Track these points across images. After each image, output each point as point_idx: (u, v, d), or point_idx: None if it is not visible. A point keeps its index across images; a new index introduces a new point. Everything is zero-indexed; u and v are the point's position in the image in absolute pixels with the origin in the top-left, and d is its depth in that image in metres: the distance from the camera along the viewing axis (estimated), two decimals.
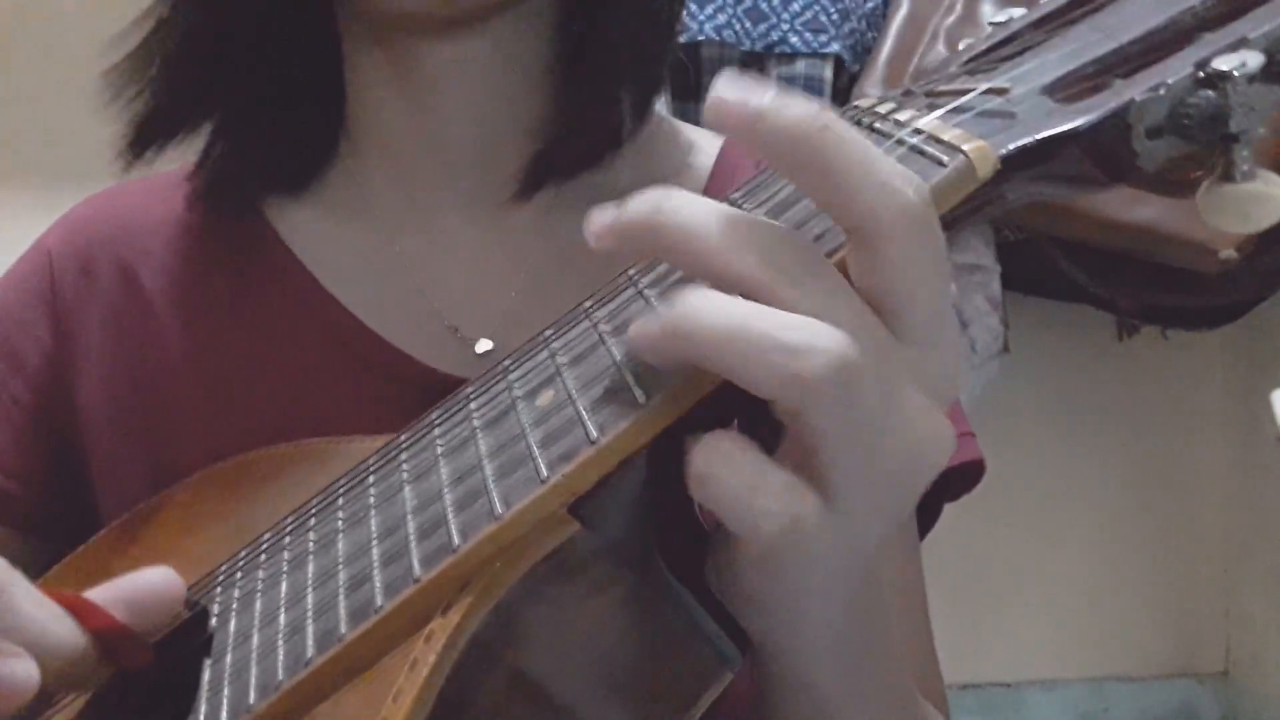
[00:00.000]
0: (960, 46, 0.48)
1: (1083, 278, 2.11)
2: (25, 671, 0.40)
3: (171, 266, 0.70)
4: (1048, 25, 0.44)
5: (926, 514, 0.70)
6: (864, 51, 1.97)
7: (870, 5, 1.97)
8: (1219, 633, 2.56)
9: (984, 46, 0.46)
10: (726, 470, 0.37)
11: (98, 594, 0.45)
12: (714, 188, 0.70)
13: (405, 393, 0.54)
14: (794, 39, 1.91)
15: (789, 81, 1.91)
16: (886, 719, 0.51)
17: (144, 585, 0.45)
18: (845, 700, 0.47)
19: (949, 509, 0.70)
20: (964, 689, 2.44)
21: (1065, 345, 2.44)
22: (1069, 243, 2.01)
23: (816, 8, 1.92)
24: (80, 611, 0.44)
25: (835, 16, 1.92)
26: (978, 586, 2.42)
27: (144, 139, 0.69)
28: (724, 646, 0.41)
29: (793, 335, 0.35)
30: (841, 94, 1.95)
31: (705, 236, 0.37)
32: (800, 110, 0.37)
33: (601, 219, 0.40)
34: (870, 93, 1.76)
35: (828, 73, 1.93)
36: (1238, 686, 2.53)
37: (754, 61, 1.94)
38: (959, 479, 0.67)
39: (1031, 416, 2.44)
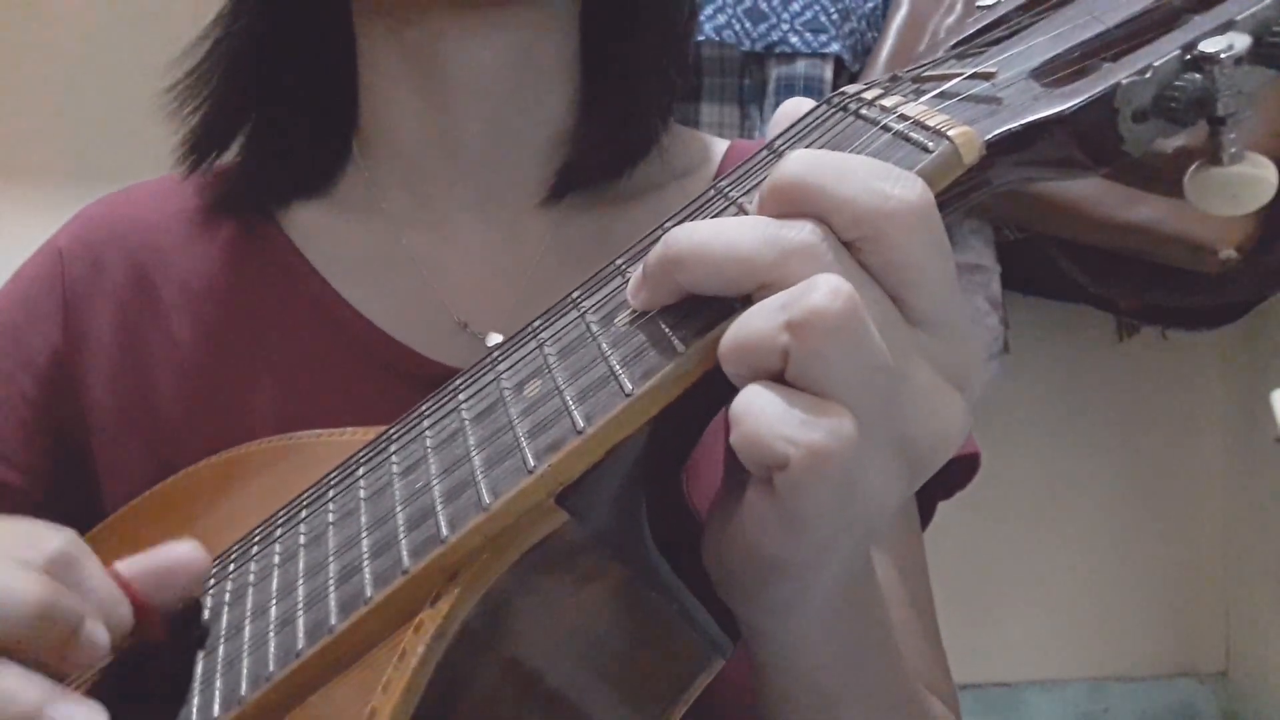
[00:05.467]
0: None
1: (1083, 278, 2.11)
2: (103, 638, 0.43)
3: (181, 266, 0.71)
4: (1035, 9, 0.44)
5: (921, 510, 0.70)
6: (864, 51, 1.97)
7: (870, 5, 1.97)
8: (1219, 633, 2.56)
9: (972, 30, 0.45)
10: (761, 401, 0.36)
11: (127, 565, 0.47)
12: None
13: (415, 389, 0.54)
14: (794, 39, 1.91)
15: (789, 81, 1.91)
16: (887, 710, 0.51)
17: (170, 561, 0.47)
18: (843, 688, 0.47)
19: (949, 508, 0.70)
20: (964, 689, 2.42)
21: (1065, 345, 2.44)
22: (1069, 243, 2.01)
23: (816, 8, 1.92)
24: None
25: (835, 16, 1.93)
26: (978, 586, 2.42)
27: (204, 149, 0.71)
28: (715, 634, 0.41)
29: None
30: None
31: (707, 253, 0.38)
32: (791, 161, 0.38)
33: (635, 283, 0.41)
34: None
35: (828, 73, 1.93)
36: (1238, 686, 2.53)
37: (754, 61, 1.94)
38: (954, 473, 0.68)
39: (1031, 416, 2.44)
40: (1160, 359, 2.48)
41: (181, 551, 0.48)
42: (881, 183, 0.37)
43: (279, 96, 0.70)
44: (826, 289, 0.35)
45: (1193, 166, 0.37)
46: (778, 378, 0.36)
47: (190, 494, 0.59)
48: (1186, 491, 2.54)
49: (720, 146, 0.75)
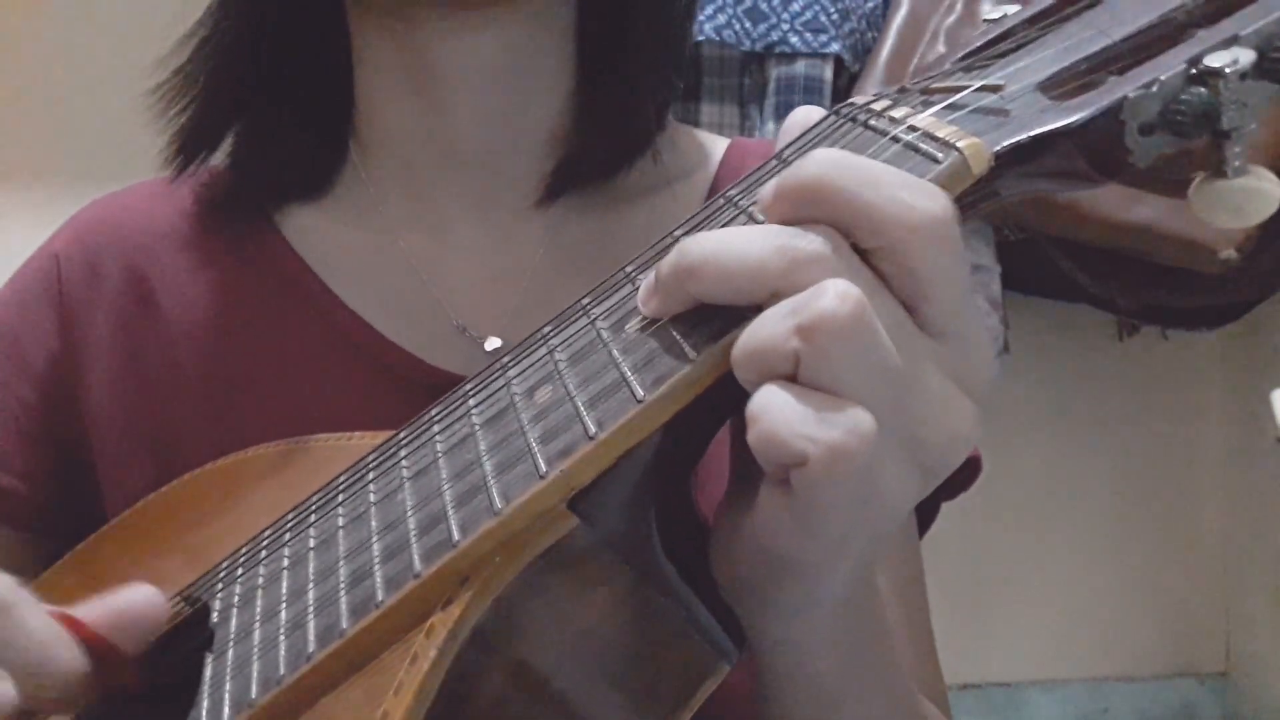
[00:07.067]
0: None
1: (1083, 278, 2.11)
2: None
3: (178, 269, 0.70)
4: (1042, 22, 0.44)
5: (924, 512, 0.70)
6: (864, 51, 1.97)
7: (870, 5, 1.98)
8: (1219, 633, 2.56)
9: (979, 43, 0.46)
10: (779, 400, 0.36)
11: (81, 611, 0.45)
12: (719, 189, 0.71)
13: (414, 393, 0.54)
14: (794, 39, 1.91)
15: (789, 81, 1.91)
16: (886, 713, 0.51)
17: (126, 605, 0.46)
18: (845, 692, 0.48)
19: (949, 509, 0.70)
20: (964, 689, 2.44)
21: (1065, 345, 2.44)
22: (1069, 243, 2.01)
23: (816, 8, 1.92)
24: (69, 627, 0.45)
25: (835, 16, 1.93)
26: (978, 586, 2.42)
27: (192, 150, 0.71)
28: (721, 640, 0.42)
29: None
30: (841, 94, 1.95)
31: (719, 264, 0.38)
32: (815, 160, 0.38)
33: (646, 291, 0.41)
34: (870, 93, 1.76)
35: (828, 73, 1.93)
36: (1238, 686, 2.53)
37: (754, 61, 1.94)
38: (955, 476, 0.68)
39: (1031, 416, 2.44)
40: (1160, 359, 2.48)
41: (138, 596, 0.46)
42: (906, 193, 0.37)
43: (272, 96, 0.70)
44: (834, 293, 0.35)
45: (1197, 179, 0.38)
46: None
47: (193, 499, 0.59)
48: (1186, 491, 2.55)
49: (720, 145, 0.74)
